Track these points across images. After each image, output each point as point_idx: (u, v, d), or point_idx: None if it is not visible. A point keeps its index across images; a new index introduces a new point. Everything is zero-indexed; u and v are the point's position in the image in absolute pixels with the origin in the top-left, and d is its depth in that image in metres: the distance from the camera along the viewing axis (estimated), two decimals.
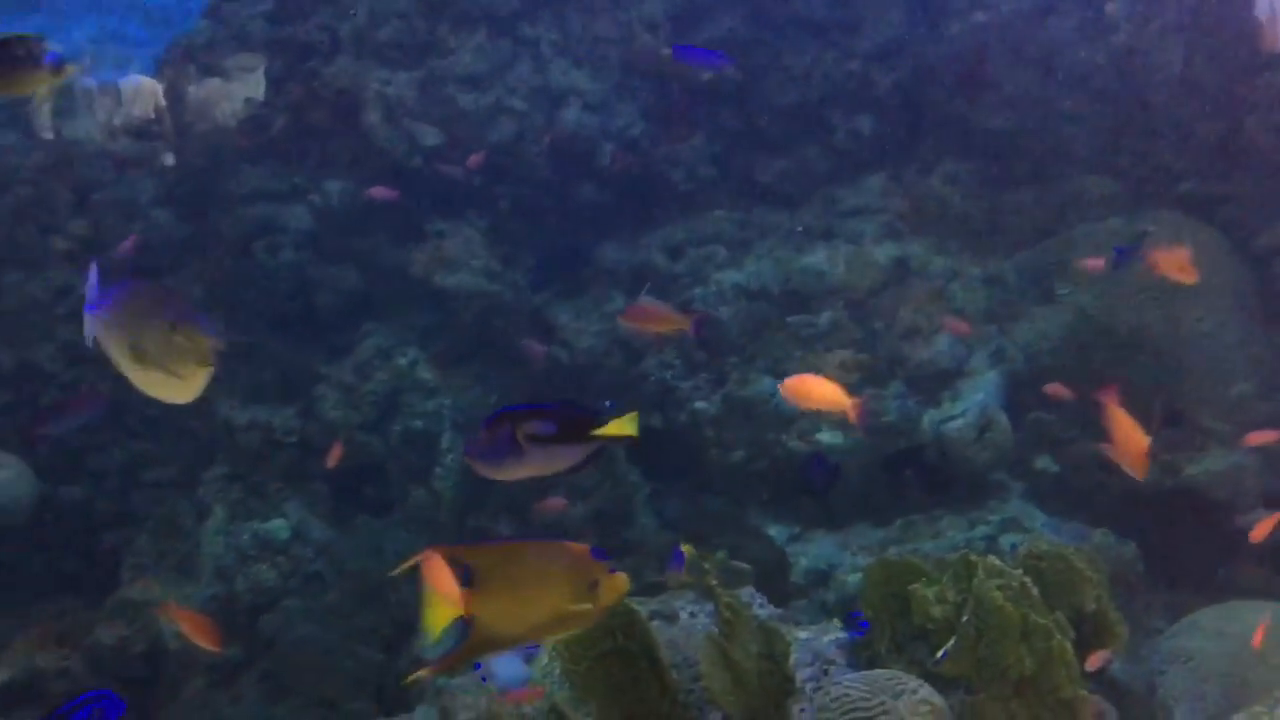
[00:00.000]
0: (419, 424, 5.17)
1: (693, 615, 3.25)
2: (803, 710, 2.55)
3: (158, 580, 4.90)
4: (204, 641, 3.53)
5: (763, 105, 5.99)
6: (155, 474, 5.20)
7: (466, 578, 1.77)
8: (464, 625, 1.77)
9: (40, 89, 2.25)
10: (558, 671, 2.75)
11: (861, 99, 5.95)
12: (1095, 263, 4.66)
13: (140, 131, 5.52)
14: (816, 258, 5.40)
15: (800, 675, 2.73)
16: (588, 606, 1.80)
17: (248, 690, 4.62)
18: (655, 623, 2.93)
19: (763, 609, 3.34)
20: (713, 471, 5.11)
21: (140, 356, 1.99)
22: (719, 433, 5.10)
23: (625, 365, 5.33)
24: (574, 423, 2.11)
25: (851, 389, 3.79)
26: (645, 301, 4.48)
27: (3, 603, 4.89)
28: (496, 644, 1.82)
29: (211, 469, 5.16)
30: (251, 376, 5.26)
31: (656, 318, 4.26)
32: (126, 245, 4.88)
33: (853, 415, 3.31)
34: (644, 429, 2.14)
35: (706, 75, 5.70)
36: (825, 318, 5.20)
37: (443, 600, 1.74)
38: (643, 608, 2.85)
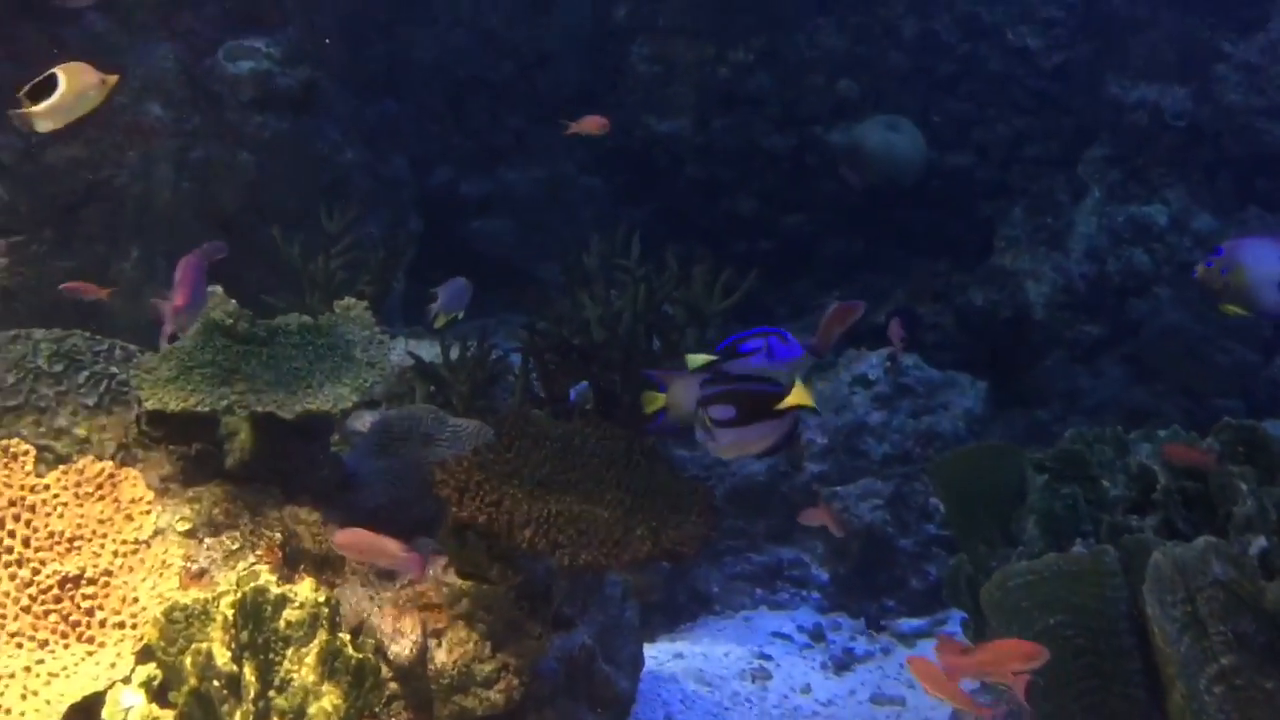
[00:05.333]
0: None
1: None
2: None
3: (1027, 252, 5.06)
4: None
5: None
6: (1036, 150, 5.26)
7: None
8: None
9: None
10: None
11: None
12: None
13: None
14: None
15: None
16: None
17: (1109, 368, 4.67)
18: None
19: None
20: None
21: None
22: None
23: None
24: (753, 401, 2.00)
25: None
26: None
27: (888, 257, 5.42)
28: None
29: (1092, 149, 5.09)
30: (1147, 53, 4.99)
31: None
32: None
33: None
34: None
35: None
36: None
37: None
38: None
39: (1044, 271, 4.97)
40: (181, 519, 2.21)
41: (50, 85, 2.18)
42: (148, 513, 2.12)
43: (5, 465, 2.07)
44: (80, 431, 2.36)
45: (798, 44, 5.32)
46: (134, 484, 2.13)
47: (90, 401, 2.38)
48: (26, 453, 2.10)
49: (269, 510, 2.31)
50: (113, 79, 2.24)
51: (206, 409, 2.25)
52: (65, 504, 2.09)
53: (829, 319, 3.30)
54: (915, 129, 5.28)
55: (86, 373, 2.40)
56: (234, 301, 2.54)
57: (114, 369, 2.43)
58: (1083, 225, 4.95)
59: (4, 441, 2.09)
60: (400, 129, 4.94)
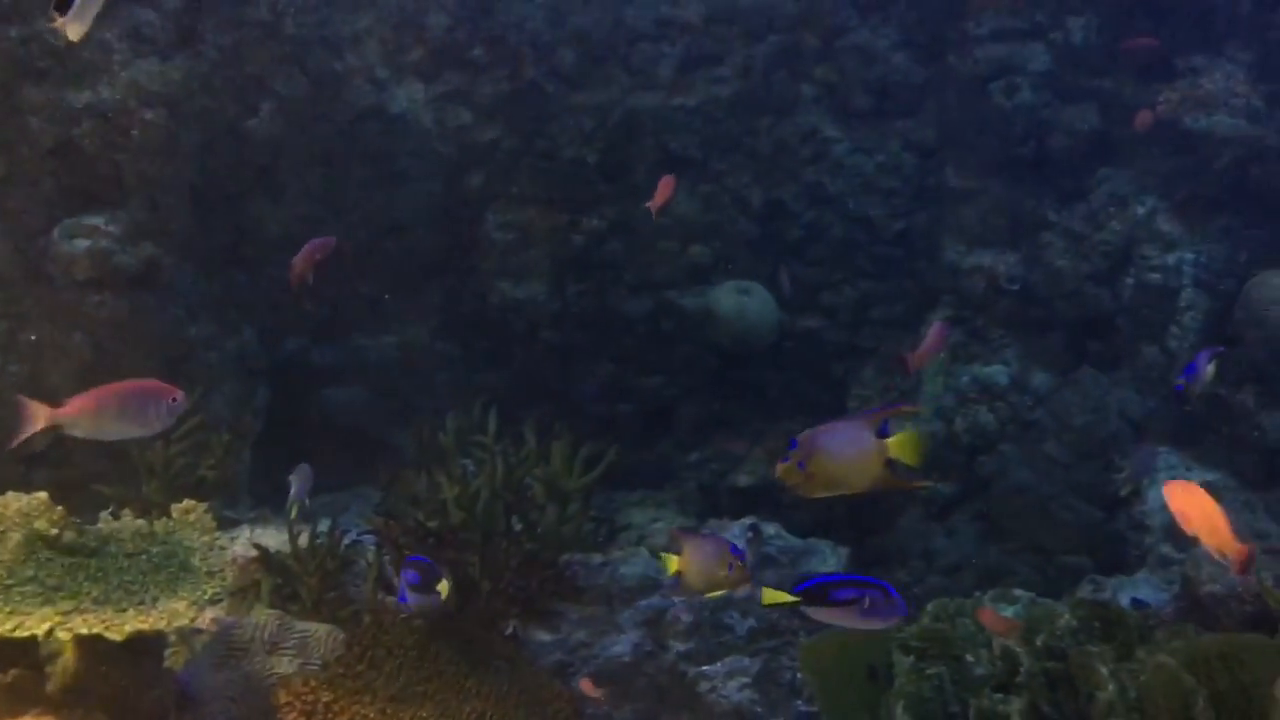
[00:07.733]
0: (1155, 278, 4.83)
1: None
2: None
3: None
4: None
5: None
6: (882, 311, 5.43)
7: None
8: None
9: None
10: None
11: None
12: None
13: None
14: None
15: None
16: None
17: (962, 526, 4.76)
18: None
19: None
20: None
21: None
22: None
23: None
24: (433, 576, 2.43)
25: None
26: None
27: (745, 418, 5.47)
28: None
29: (934, 311, 5.28)
30: (979, 220, 5.26)
31: None
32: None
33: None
34: None
35: None
36: None
37: None
38: None
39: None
40: None
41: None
42: None
43: None
44: None
45: (649, 211, 5.42)
46: None
47: None
48: None
49: None
50: None
51: (25, 634, 2.06)
52: None
53: (932, 341, 4.00)
54: (766, 293, 5.40)
55: None
56: (60, 508, 2.37)
57: None
58: (930, 385, 5.10)
59: None
60: (250, 301, 4.81)
